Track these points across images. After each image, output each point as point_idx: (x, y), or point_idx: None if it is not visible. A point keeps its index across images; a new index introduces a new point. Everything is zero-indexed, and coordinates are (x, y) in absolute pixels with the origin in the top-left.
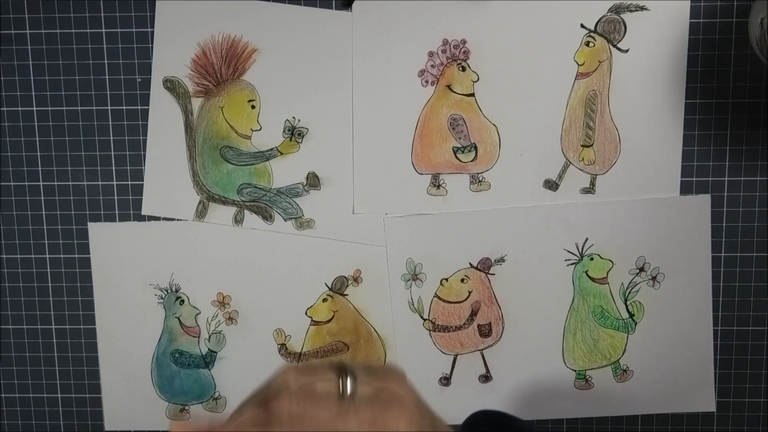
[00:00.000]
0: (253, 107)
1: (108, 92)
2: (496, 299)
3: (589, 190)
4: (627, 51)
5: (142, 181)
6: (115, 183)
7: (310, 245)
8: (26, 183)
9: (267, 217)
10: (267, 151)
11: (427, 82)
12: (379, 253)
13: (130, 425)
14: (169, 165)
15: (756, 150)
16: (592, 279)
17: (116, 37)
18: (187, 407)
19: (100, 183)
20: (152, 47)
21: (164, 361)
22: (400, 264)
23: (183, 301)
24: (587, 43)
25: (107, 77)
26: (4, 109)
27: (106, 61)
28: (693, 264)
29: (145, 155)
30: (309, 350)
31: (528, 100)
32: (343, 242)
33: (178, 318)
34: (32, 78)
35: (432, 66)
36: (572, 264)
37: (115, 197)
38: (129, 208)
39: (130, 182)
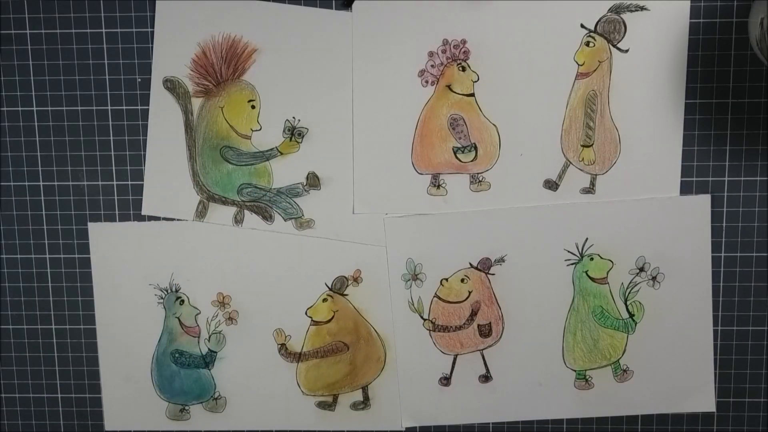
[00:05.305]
0: (253, 107)
1: (108, 92)
2: (496, 299)
3: (589, 190)
4: (627, 51)
5: (142, 181)
6: (115, 183)
7: (310, 245)
8: (26, 183)
9: (267, 217)
10: (267, 151)
11: (427, 82)
12: (379, 253)
13: (130, 425)
14: (169, 165)
15: (756, 150)
16: (592, 279)
17: (116, 37)
18: (187, 407)
19: (100, 183)
20: (152, 47)
21: (164, 361)
22: (400, 264)
23: (183, 301)
24: (587, 43)
25: (107, 77)
26: (4, 109)
27: (106, 61)
28: (693, 264)
29: (145, 155)
30: (309, 350)
31: (528, 100)
32: (343, 242)
33: (178, 318)
34: (32, 78)
35: (432, 66)
36: (572, 264)
37: (115, 197)
38: (129, 208)
39: (130, 182)
